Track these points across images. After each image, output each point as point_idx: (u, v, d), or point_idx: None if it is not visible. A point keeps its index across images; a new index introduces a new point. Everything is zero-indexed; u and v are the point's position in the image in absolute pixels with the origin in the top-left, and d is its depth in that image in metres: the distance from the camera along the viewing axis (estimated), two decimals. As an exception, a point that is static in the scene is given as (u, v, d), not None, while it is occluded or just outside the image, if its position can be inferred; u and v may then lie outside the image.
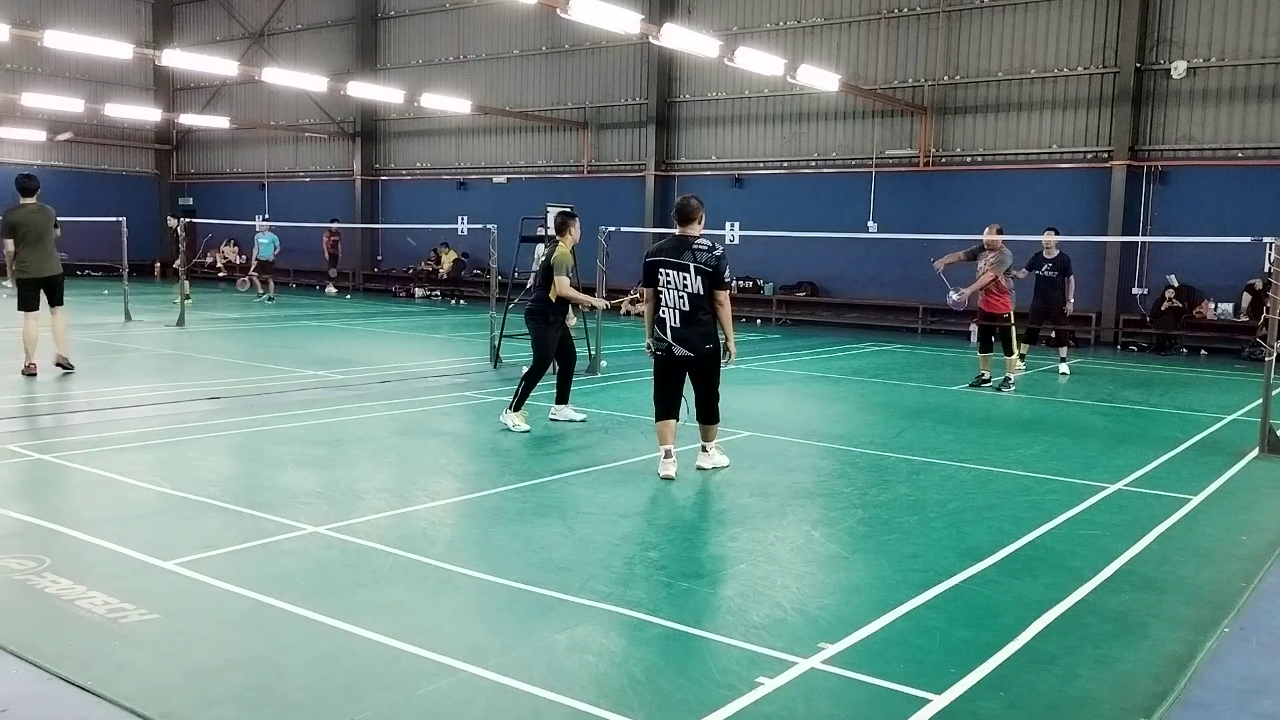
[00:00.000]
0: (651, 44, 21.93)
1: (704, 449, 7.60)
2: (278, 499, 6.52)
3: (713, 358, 7.29)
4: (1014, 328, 12.52)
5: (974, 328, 13.15)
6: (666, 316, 7.20)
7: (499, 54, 27.22)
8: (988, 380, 12.59)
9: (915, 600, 4.86)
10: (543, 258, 9.45)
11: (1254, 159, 17.72)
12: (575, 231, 9.24)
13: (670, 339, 7.21)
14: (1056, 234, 14.01)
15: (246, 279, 26.04)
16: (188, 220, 22.58)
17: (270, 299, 24.31)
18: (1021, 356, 13.77)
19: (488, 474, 7.47)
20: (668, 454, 7.32)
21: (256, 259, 25.44)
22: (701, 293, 7.11)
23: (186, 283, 21.95)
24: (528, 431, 8.83)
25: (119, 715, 3.59)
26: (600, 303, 10.33)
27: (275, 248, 25.28)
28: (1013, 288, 12.56)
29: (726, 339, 7.30)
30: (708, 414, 7.44)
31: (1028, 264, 13.91)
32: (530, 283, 9.65)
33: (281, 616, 4.51)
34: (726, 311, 7.25)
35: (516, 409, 8.95)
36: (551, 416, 9.38)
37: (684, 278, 7.11)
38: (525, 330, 9.47)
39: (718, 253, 7.17)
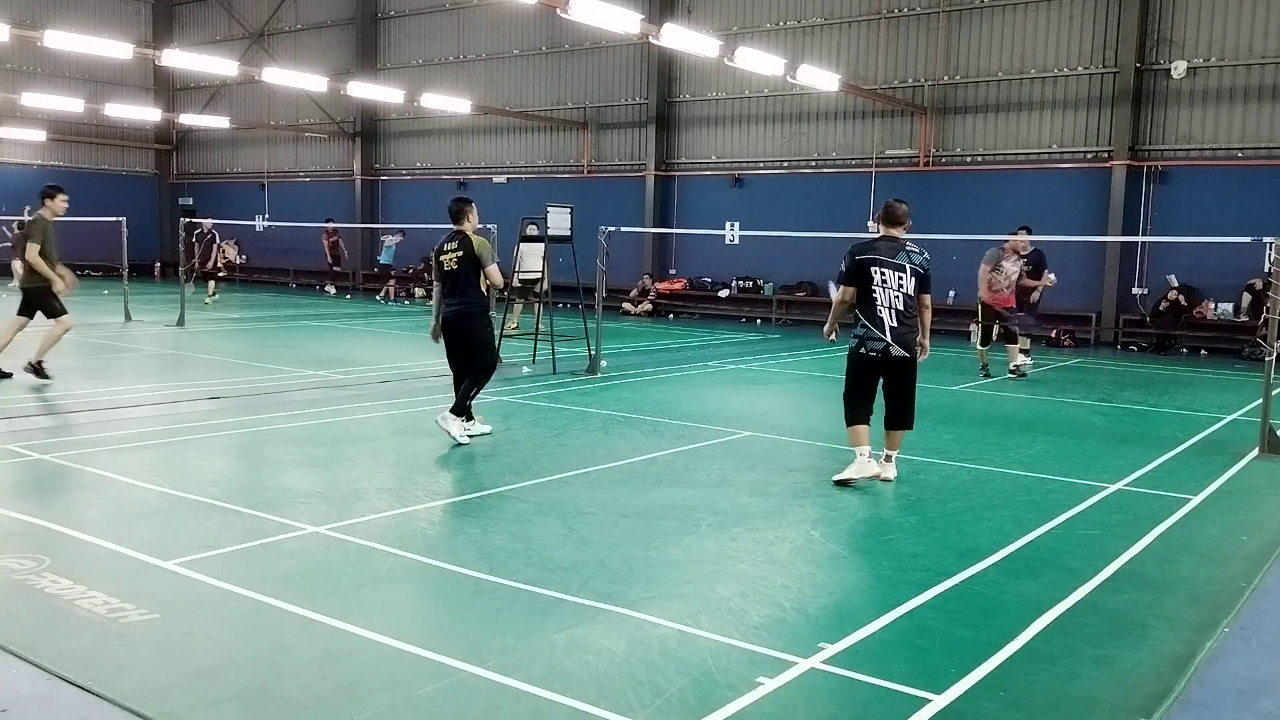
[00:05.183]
0: (651, 44, 21.92)
1: (888, 458, 7.40)
2: (278, 499, 6.52)
3: (915, 359, 7.28)
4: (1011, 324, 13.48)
5: (974, 326, 13.60)
6: (884, 316, 7.11)
7: (499, 54, 27.22)
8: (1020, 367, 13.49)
9: (915, 600, 4.86)
10: (458, 252, 8.34)
11: (1254, 159, 17.71)
12: (475, 217, 8.60)
13: (889, 339, 7.11)
14: (1030, 232, 14.54)
15: (386, 290, 26.82)
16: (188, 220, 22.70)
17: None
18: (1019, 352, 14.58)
19: (488, 474, 7.46)
20: (866, 454, 7.18)
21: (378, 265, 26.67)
22: (913, 294, 7.12)
23: (212, 283, 22.92)
24: (489, 433, 8.64)
25: (119, 715, 3.59)
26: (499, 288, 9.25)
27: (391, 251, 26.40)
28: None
29: (924, 340, 7.36)
30: (905, 419, 7.34)
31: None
32: (443, 284, 8.42)
33: (281, 616, 4.51)
34: (929, 315, 7.34)
35: (468, 414, 8.47)
36: (448, 428, 8.25)
37: (900, 278, 7.11)
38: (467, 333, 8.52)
39: (928, 256, 7.23)
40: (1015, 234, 14.39)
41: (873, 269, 7.14)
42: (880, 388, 7.38)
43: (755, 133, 23.29)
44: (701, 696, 3.77)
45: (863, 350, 7.21)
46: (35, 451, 7.70)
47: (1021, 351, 14.68)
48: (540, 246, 14.28)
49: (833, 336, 7.79)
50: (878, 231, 7.42)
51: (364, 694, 3.76)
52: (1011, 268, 13.25)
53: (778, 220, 21.83)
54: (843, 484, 7.17)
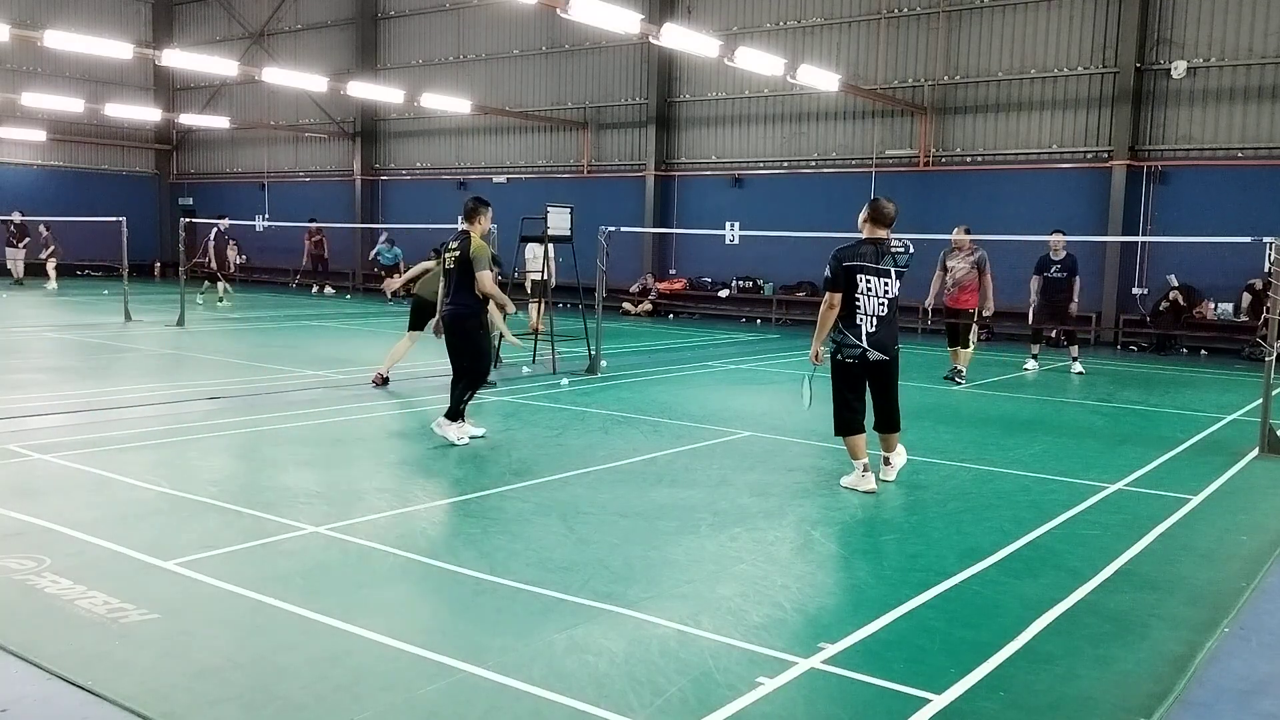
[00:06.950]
0: (651, 44, 21.93)
1: (887, 460, 7.36)
2: (278, 499, 6.52)
3: (897, 360, 7.17)
4: (975, 323, 13.15)
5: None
6: (863, 324, 6.98)
7: (499, 54, 27.22)
8: (962, 373, 13.16)
9: (915, 600, 4.86)
10: (455, 252, 8.29)
11: (1254, 159, 17.71)
12: (486, 220, 8.50)
13: (866, 344, 6.99)
14: (1064, 235, 14.36)
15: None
16: (188, 221, 22.71)
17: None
18: (1034, 356, 14.83)
19: (488, 474, 7.46)
20: (866, 468, 7.07)
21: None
22: (896, 296, 7.05)
23: (223, 284, 22.82)
24: (483, 436, 8.62)
25: (119, 715, 3.59)
26: (510, 305, 9.18)
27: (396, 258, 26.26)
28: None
29: None
30: (893, 422, 7.24)
31: (1036, 266, 14.40)
32: (444, 283, 8.46)
33: (281, 616, 4.51)
34: None
35: (459, 417, 8.39)
36: (445, 433, 8.35)
37: (885, 283, 7.00)
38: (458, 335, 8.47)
39: (911, 252, 7.13)
40: (1050, 236, 14.40)
41: (859, 276, 7.01)
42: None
43: (755, 133, 23.29)
44: (701, 696, 3.77)
45: (839, 356, 7.11)
46: (35, 451, 7.70)
47: (1033, 358, 14.71)
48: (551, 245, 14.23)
49: (818, 360, 7.45)
50: (862, 232, 7.16)
51: (364, 694, 3.76)
52: (956, 265, 12.87)
53: (778, 220, 21.83)
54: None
